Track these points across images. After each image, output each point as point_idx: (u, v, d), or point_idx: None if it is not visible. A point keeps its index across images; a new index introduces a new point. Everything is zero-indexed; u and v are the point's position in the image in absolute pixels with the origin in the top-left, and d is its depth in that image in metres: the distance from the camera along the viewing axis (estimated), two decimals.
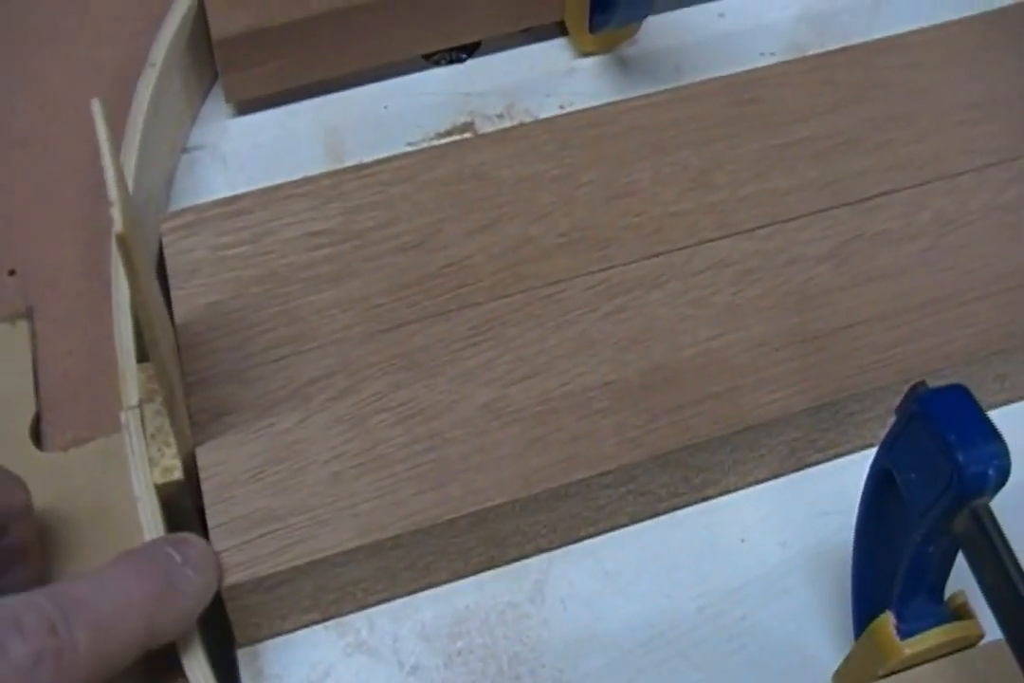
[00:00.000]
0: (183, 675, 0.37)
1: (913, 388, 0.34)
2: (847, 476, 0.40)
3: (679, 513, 0.44)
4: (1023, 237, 0.45)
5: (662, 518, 0.44)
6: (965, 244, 0.45)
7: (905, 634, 0.35)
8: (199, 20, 0.52)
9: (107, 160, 0.33)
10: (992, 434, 0.32)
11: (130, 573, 0.35)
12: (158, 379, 0.39)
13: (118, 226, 0.32)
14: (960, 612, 0.36)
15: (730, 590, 0.42)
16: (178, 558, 0.37)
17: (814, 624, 0.41)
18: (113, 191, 0.33)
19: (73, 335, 0.46)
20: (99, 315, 0.46)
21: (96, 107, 0.34)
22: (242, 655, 0.41)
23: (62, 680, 0.31)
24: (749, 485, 0.44)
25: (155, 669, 0.37)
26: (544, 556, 0.43)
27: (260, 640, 0.41)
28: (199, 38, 0.52)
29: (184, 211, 0.46)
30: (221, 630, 0.40)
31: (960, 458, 0.31)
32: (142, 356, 0.42)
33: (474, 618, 0.42)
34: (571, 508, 0.41)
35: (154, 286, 0.38)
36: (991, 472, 0.31)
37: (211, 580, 0.37)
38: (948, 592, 0.36)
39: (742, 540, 0.43)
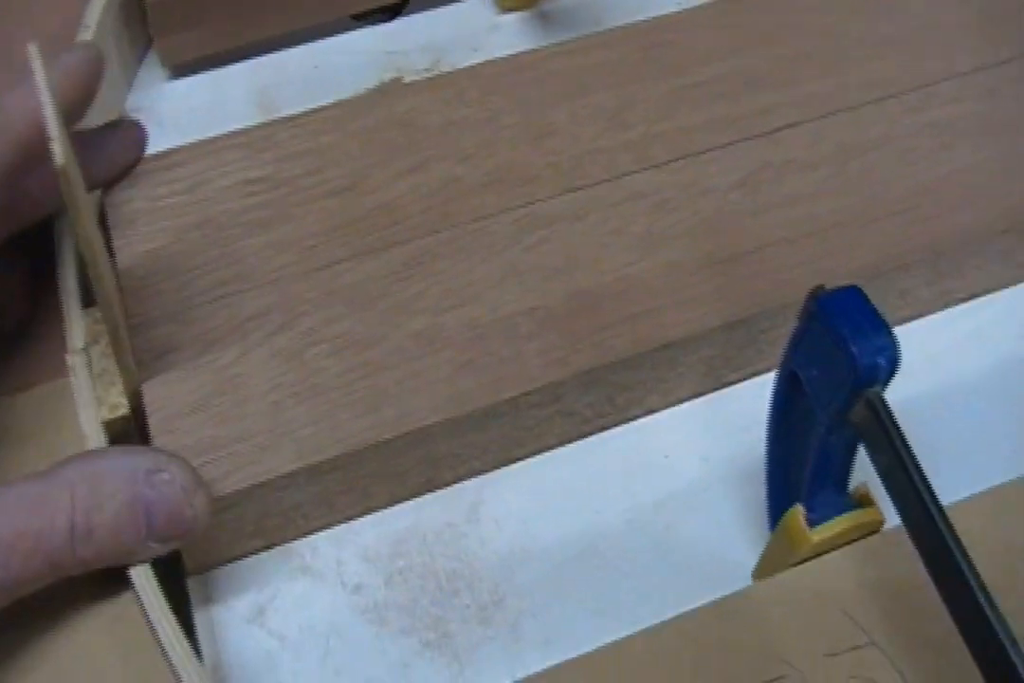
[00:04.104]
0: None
1: (813, 291, 0.36)
2: (762, 394, 0.41)
3: (605, 434, 0.46)
4: (917, 163, 0.47)
5: (590, 439, 0.46)
6: (865, 170, 0.47)
7: (813, 523, 0.38)
8: None
9: (45, 97, 0.35)
10: (883, 328, 0.34)
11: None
12: (103, 315, 0.40)
13: (59, 159, 0.34)
14: (863, 501, 0.38)
15: (655, 503, 0.44)
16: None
17: (734, 531, 0.43)
18: (53, 126, 0.34)
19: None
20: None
21: (32, 50, 0.36)
22: (192, 583, 0.42)
23: None
24: (671, 405, 0.46)
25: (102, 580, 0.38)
26: (479, 479, 0.45)
27: (209, 568, 0.43)
28: (132, 3, 0.53)
29: None
30: (171, 560, 0.42)
31: (854, 350, 0.33)
32: (86, 303, 0.44)
33: (413, 538, 0.43)
34: (501, 429, 0.43)
35: (95, 227, 0.40)
36: (882, 361, 0.33)
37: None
38: (852, 485, 0.39)
39: (666, 456, 0.45)
